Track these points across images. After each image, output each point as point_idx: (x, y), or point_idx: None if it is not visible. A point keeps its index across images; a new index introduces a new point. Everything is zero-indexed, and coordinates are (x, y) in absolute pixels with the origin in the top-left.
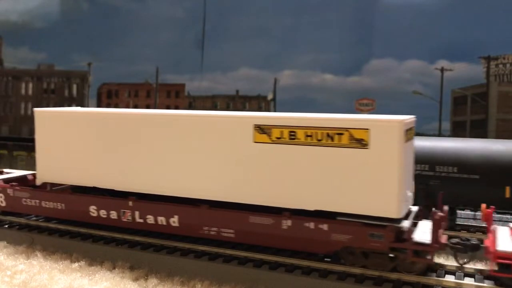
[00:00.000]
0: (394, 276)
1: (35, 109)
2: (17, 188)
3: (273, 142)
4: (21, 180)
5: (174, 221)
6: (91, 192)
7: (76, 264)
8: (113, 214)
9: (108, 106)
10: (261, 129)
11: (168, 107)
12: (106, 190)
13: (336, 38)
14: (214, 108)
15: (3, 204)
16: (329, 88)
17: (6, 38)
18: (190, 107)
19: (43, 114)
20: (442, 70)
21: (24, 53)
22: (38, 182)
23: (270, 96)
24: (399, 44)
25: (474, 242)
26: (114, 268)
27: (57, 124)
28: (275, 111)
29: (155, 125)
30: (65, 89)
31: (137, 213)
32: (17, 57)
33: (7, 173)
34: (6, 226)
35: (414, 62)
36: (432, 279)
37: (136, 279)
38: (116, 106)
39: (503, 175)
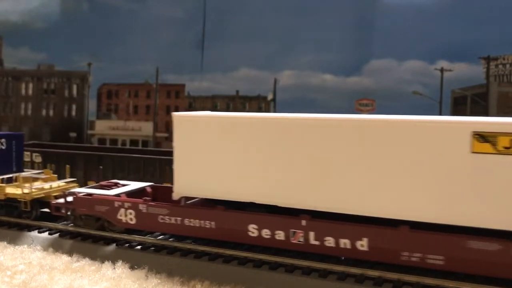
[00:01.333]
0: (394, 276)
1: (174, 113)
2: (152, 203)
3: (500, 153)
4: (139, 192)
5: (362, 244)
6: (235, 208)
7: (76, 264)
8: (280, 235)
9: (108, 106)
10: (482, 137)
11: (168, 108)
12: (259, 206)
13: (336, 39)
14: (214, 108)
15: (133, 222)
16: (329, 89)
17: (6, 38)
18: (190, 107)
19: (183, 119)
20: (442, 70)
21: (24, 53)
22: (176, 196)
23: (270, 97)
24: (399, 45)
25: None
26: (114, 268)
27: (201, 130)
28: (275, 111)
29: (332, 132)
30: (65, 90)
31: (311, 234)
32: (17, 57)
33: (123, 185)
34: (6, 226)
35: (414, 63)
36: (432, 279)
37: (136, 279)
38: (116, 106)
39: None
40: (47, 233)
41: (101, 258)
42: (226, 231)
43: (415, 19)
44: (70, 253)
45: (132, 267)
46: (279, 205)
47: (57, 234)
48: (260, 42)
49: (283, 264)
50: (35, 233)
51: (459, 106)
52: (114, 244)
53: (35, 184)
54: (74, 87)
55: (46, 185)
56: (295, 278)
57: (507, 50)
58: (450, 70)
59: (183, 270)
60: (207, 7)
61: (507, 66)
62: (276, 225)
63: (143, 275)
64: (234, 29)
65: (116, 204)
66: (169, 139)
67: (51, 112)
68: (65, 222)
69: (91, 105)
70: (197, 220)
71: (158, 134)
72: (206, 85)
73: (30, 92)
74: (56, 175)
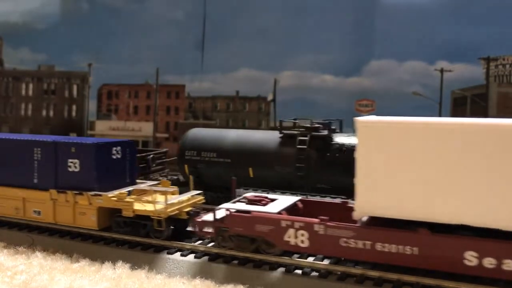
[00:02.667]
0: (394, 276)
1: (358, 119)
2: (332, 224)
3: None
4: (292, 208)
5: None
6: (431, 229)
7: (77, 265)
8: (509, 265)
9: (108, 106)
10: None
11: (168, 108)
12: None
13: (336, 39)
14: (214, 109)
15: (304, 245)
16: (329, 89)
17: (6, 39)
18: (190, 108)
19: (371, 126)
20: (441, 71)
21: (25, 54)
22: (359, 215)
23: (270, 97)
24: (398, 45)
25: None
26: (114, 268)
27: (393, 138)
28: (275, 112)
29: None
30: (65, 90)
31: None
32: (17, 58)
33: (271, 199)
34: (6, 226)
35: (413, 63)
36: (431, 280)
37: (136, 279)
38: (116, 107)
39: (248, 159)
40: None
41: (102, 259)
42: (433, 258)
43: (415, 19)
44: (70, 253)
45: (132, 268)
46: (507, 229)
47: (57, 235)
48: (260, 43)
49: (283, 264)
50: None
51: (459, 106)
52: (114, 244)
53: (161, 198)
54: (74, 88)
55: (174, 200)
56: (296, 279)
57: (507, 50)
58: (449, 71)
59: (183, 270)
60: (207, 8)
61: (507, 66)
62: (505, 253)
63: (143, 276)
64: (234, 30)
65: (284, 223)
66: (169, 139)
67: (51, 113)
68: (209, 243)
69: (91, 105)
70: (394, 245)
71: (158, 135)
72: (206, 86)
73: (30, 92)
74: (176, 187)
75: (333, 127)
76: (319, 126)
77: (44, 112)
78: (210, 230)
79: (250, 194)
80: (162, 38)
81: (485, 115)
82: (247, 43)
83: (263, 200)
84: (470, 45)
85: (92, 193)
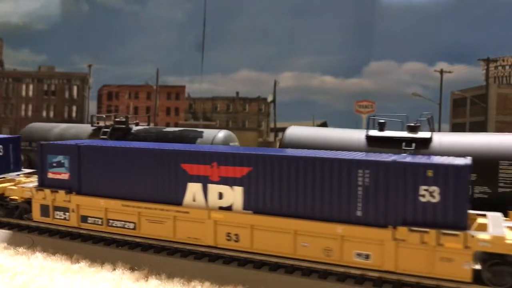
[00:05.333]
0: (393, 277)
1: None
2: None
3: None
4: None
5: None
6: None
7: (77, 266)
8: None
9: (108, 107)
10: None
11: (168, 109)
12: None
13: (336, 40)
14: (214, 110)
15: None
16: (329, 90)
17: (7, 40)
18: (190, 109)
19: None
20: (441, 72)
21: (25, 55)
22: None
23: (270, 98)
24: (398, 46)
25: None
26: (114, 269)
27: None
28: (275, 113)
29: None
30: (65, 91)
31: None
32: (17, 59)
33: None
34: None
35: (413, 64)
36: (431, 280)
37: (136, 280)
38: (116, 107)
39: None
40: (47, 233)
41: (102, 259)
42: None
43: (415, 21)
44: (70, 254)
45: (132, 268)
46: None
47: (57, 235)
48: (260, 44)
49: (283, 265)
50: None
51: (459, 107)
52: (115, 245)
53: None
54: (75, 89)
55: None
56: (295, 279)
57: (507, 51)
58: (449, 72)
59: (183, 271)
60: (207, 9)
61: (507, 67)
62: None
63: (143, 276)
64: (234, 31)
65: None
66: None
67: (51, 114)
68: None
69: (92, 106)
70: None
71: None
72: (206, 87)
73: (30, 93)
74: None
75: (136, 121)
76: (124, 121)
77: (44, 113)
78: None
79: None
80: (162, 39)
81: (484, 115)
82: (247, 44)
83: None
84: (469, 47)
85: (470, 232)
